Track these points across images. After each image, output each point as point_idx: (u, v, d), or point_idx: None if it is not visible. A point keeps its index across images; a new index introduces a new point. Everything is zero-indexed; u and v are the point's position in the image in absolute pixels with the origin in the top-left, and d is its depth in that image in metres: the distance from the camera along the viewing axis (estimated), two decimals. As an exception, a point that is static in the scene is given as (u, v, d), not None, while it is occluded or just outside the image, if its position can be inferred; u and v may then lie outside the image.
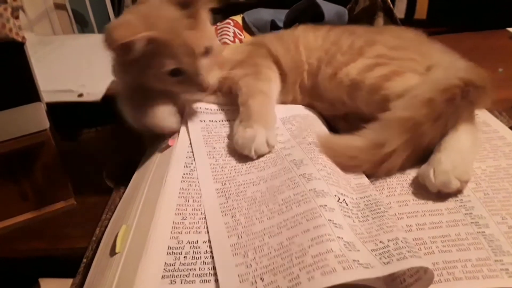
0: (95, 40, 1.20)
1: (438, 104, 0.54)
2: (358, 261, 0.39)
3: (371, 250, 0.42)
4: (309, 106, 0.70)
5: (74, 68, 0.94)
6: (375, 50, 0.66)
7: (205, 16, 0.60)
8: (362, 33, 0.72)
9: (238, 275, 0.40)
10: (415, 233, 0.46)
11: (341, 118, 0.68)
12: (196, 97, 0.65)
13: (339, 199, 0.48)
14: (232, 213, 0.48)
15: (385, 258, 0.40)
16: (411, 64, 0.64)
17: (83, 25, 2.07)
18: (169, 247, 0.44)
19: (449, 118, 0.55)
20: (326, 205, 0.45)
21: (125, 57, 0.56)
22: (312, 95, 0.70)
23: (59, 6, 1.83)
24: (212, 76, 0.60)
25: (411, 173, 0.55)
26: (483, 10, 1.42)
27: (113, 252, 0.44)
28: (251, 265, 0.41)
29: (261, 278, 0.39)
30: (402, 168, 0.55)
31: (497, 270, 0.41)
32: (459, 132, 0.55)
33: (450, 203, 0.50)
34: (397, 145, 0.53)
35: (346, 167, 0.56)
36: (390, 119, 0.56)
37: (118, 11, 2.29)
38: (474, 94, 0.57)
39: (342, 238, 0.41)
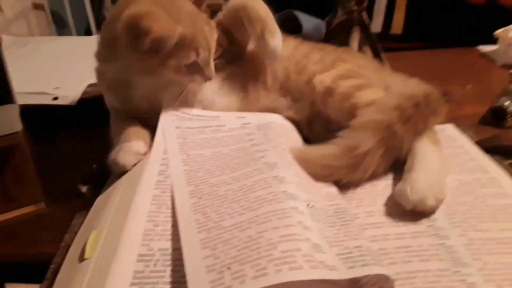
0: (73, 42, 1.20)
1: (406, 108, 0.59)
2: (324, 262, 0.40)
3: (336, 254, 0.43)
4: (272, 105, 0.72)
5: (49, 71, 0.93)
6: (345, 65, 0.70)
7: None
8: (331, 50, 0.76)
9: (206, 266, 0.40)
10: (380, 243, 0.48)
11: (306, 125, 0.70)
12: (199, 84, 0.66)
13: (308, 204, 0.49)
14: (203, 211, 0.48)
15: (350, 263, 0.41)
16: (376, 82, 0.68)
17: (61, 26, 2.04)
18: (139, 254, 0.44)
19: (417, 121, 0.59)
20: (296, 208, 0.46)
21: (152, 49, 0.55)
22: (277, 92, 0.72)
23: (37, 6, 1.80)
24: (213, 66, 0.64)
25: (379, 185, 0.57)
26: (456, 28, 1.48)
27: (82, 258, 0.44)
28: (219, 256, 0.41)
29: (228, 268, 0.40)
30: (376, 171, 0.58)
31: (455, 281, 0.43)
32: (428, 151, 0.58)
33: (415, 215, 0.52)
34: (370, 145, 0.56)
35: (322, 176, 0.57)
36: (362, 122, 0.59)
37: (98, 14, 2.27)
38: (435, 104, 0.62)
39: (310, 239, 0.42)
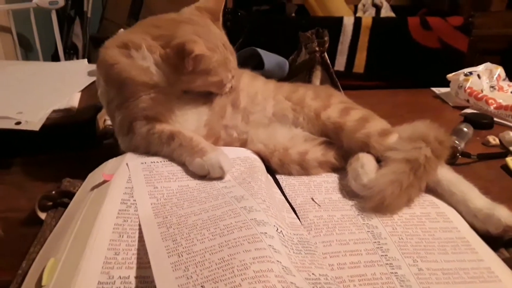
0: (39, 67, 1.19)
1: (432, 140, 0.65)
2: (295, 284, 0.41)
3: (304, 278, 0.44)
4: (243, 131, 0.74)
5: (13, 95, 0.92)
6: (337, 98, 0.78)
7: None
8: (312, 87, 0.82)
9: (178, 285, 0.41)
10: (336, 272, 0.50)
11: (295, 163, 0.71)
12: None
13: (277, 229, 0.51)
14: (173, 238, 0.48)
15: None
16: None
17: (27, 50, 2.02)
18: (99, 282, 0.44)
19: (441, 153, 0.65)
20: (266, 233, 0.48)
21: (192, 66, 0.65)
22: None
23: (3, 29, 1.78)
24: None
25: (336, 215, 0.60)
26: (412, 70, 1.57)
27: (38, 285, 0.44)
28: (191, 276, 0.42)
29: (202, 286, 0.40)
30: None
31: (407, 308, 0.45)
32: (459, 181, 0.64)
33: (369, 244, 0.54)
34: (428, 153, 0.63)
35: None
36: (408, 135, 0.67)
37: (66, 38, 2.26)
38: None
39: (280, 262, 0.44)
